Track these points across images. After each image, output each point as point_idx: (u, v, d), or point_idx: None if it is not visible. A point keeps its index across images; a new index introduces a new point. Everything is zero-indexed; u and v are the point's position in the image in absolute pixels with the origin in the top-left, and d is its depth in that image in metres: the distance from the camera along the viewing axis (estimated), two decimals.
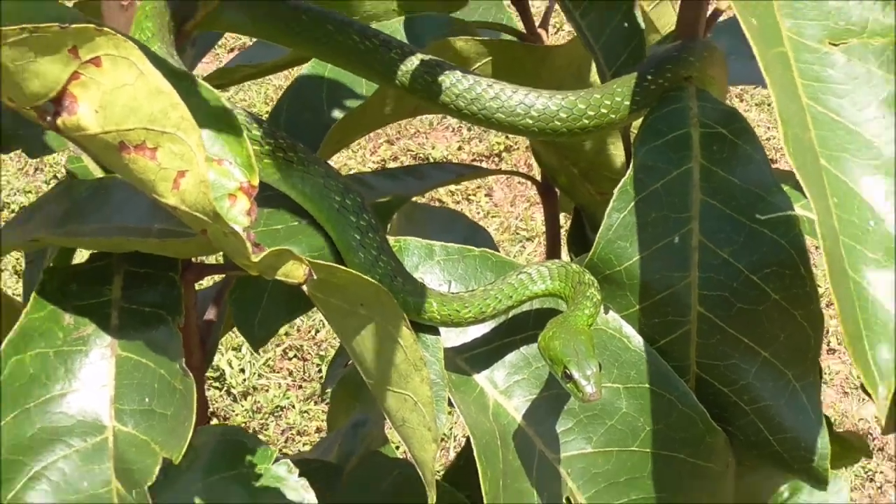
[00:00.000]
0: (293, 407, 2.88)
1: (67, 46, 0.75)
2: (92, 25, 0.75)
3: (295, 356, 2.99)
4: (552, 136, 1.02)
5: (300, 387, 2.93)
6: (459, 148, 3.39)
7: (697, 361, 1.03)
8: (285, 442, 2.80)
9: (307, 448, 2.77)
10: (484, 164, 3.25)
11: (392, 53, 1.00)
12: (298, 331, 3.08)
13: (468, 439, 0.99)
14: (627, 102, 1.02)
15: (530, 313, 1.02)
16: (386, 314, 0.87)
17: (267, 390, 2.91)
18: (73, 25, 0.74)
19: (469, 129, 3.46)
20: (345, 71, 1.12)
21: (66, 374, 0.91)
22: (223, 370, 2.96)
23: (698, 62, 1.06)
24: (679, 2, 1.11)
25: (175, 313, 0.94)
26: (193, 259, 1.02)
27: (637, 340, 1.01)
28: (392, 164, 3.31)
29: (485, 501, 0.95)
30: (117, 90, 0.76)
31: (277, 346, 3.04)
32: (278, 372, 2.96)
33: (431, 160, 3.33)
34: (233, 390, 2.90)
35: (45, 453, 0.89)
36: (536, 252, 3.12)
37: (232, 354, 2.99)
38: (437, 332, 0.98)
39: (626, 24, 1.16)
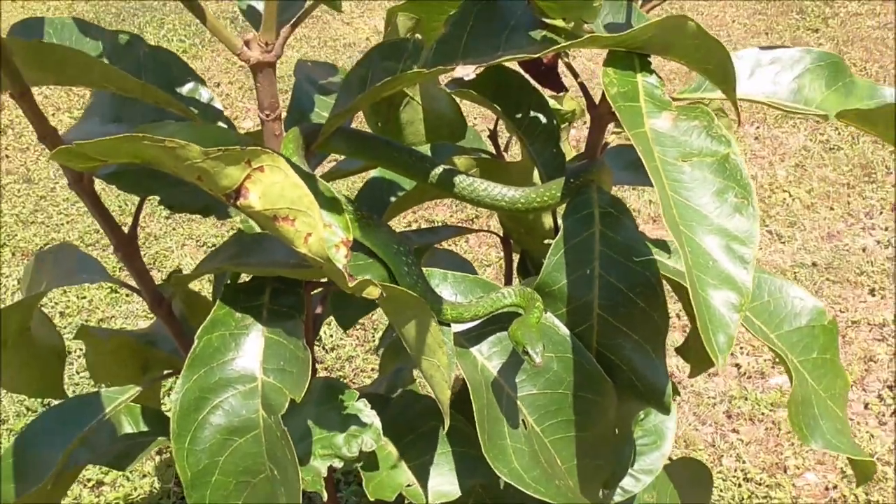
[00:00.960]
0: (359, 356, 2.81)
1: (244, 159, 0.70)
2: (259, 147, 0.70)
3: (361, 328, 2.93)
4: (515, 212, 0.97)
5: (363, 345, 2.86)
6: (451, 216, 3.35)
7: (597, 341, 0.98)
8: (354, 377, 2.73)
9: (368, 381, 2.71)
10: (467, 226, 3.22)
11: (426, 164, 0.96)
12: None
13: (464, 384, 0.95)
14: (559, 194, 0.98)
15: (501, 316, 0.97)
16: (422, 314, 0.82)
17: (344, 347, 2.84)
18: (248, 148, 0.70)
19: (457, 205, 3.41)
20: (397, 175, 1.07)
21: (235, 346, 0.86)
22: (321, 336, 2.89)
23: (598, 171, 1.01)
24: (587, 138, 1.07)
25: (300, 312, 0.88)
26: (311, 279, 0.97)
27: (563, 329, 0.96)
28: (415, 226, 3.27)
29: (476, 420, 0.90)
30: (272, 185, 0.71)
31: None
32: (351, 337, 2.89)
33: (437, 223, 3.29)
34: (326, 346, 2.83)
35: (221, 393, 0.84)
36: (495, 273, 3.08)
37: (325, 328, 2.93)
38: (449, 326, 0.93)
39: (554, 150, 1.11)
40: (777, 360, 2.67)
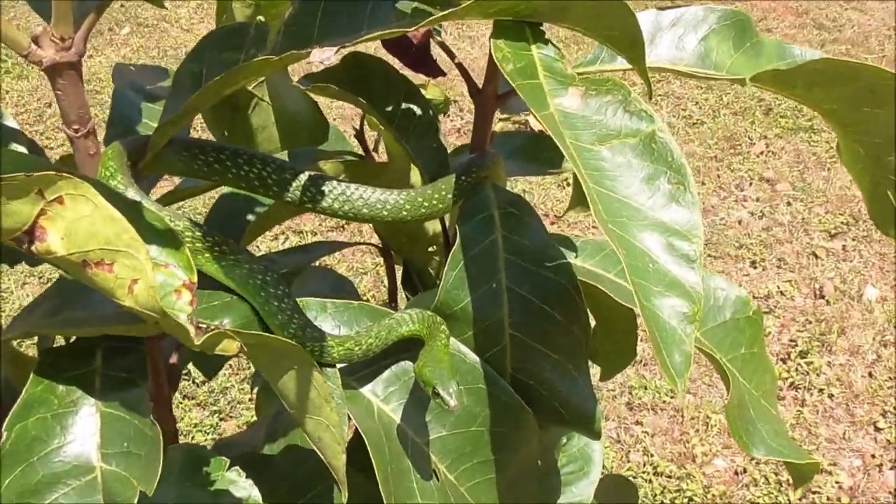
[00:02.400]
0: (234, 386, 2.59)
1: (33, 190, 0.52)
2: (53, 172, 0.52)
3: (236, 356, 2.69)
4: (400, 222, 0.81)
5: (237, 374, 2.64)
6: (320, 224, 3.16)
7: (512, 366, 0.83)
8: (230, 410, 2.51)
9: (248, 413, 2.49)
10: (337, 235, 3.04)
11: (285, 174, 0.78)
12: None
13: (357, 431, 0.78)
14: (450, 196, 0.83)
15: (396, 345, 0.81)
16: (301, 363, 0.65)
17: (217, 378, 2.61)
18: (37, 174, 0.51)
19: None
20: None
21: (62, 430, 0.66)
22: (188, 369, 2.65)
23: (491, 165, 0.87)
24: (472, 129, 0.92)
25: (144, 378, 0.70)
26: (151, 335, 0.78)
27: (472, 356, 0.81)
28: (281, 239, 3.06)
29: (378, 479, 0.74)
30: (78, 220, 0.53)
31: None
32: (224, 366, 2.66)
33: (306, 233, 3.09)
34: (196, 380, 2.59)
35: (48, 493, 0.64)
36: (373, 281, 2.91)
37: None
38: (334, 366, 0.77)
39: (434, 145, 0.96)
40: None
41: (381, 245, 1.28)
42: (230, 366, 2.65)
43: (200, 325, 0.57)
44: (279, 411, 1.26)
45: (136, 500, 0.63)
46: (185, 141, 0.78)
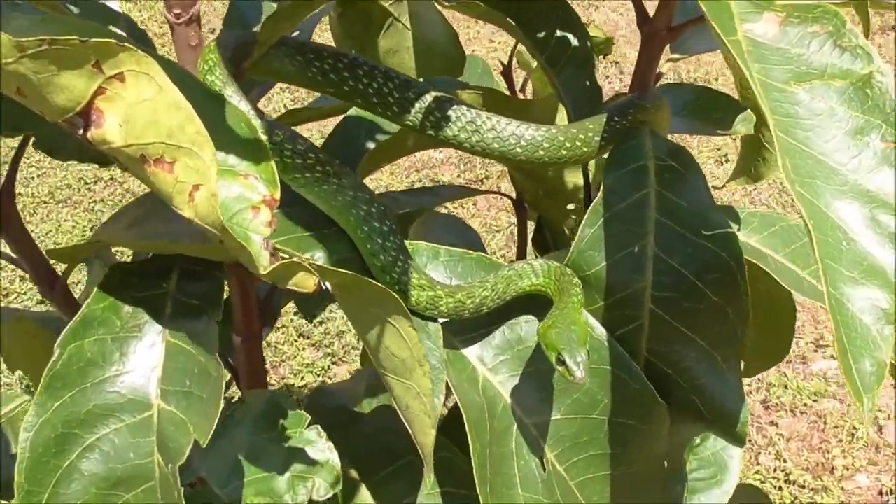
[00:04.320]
0: (351, 330, 2.53)
1: (90, 62, 0.42)
2: (113, 41, 0.42)
3: None
4: (535, 163, 0.69)
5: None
6: (458, 175, 3.06)
7: (647, 348, 0.70)
8: (344, 355, 2.46)
9: (359, 358, 2.43)
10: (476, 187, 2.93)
11: (408, 92, 0.67)
12: None
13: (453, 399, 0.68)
14: (598, 138, 0.70)
15: (512, 305, 0.69)
16: (394, 315, 0.54)
17: (334, 321, 2.56)
18: (94, 40, 0.41)
19: (467, 163, 3.11)
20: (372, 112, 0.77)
21: (121, 357, 0.58)
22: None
23: (652, 109, 0.73)
24: (635, 65, 0.79)
25: (215, 308, 0.61)
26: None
27: (600, 330, 0.68)
28: (417, 186, 2.97)
29: (474, 467, 0.63)
30: (139, 105, 0.43)
31: None
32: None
33: (442, 183, 3.00)
34: (316, 320, 2.54)
35: (98, 427, 0.56)
36: (505, 241, 2.79)
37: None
38: (437, 321, 0.66)
39: (587, 83, 0.83)
40: (821, 341, 2.39)
41: (514, 197, 1.16)
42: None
43: (275, 252, 0.47)
44: None
45: (188, 450, 0.55)
46: (299, 43, 0.68)
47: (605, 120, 0.70)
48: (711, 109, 1.01)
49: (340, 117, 0.98)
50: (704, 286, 0.67)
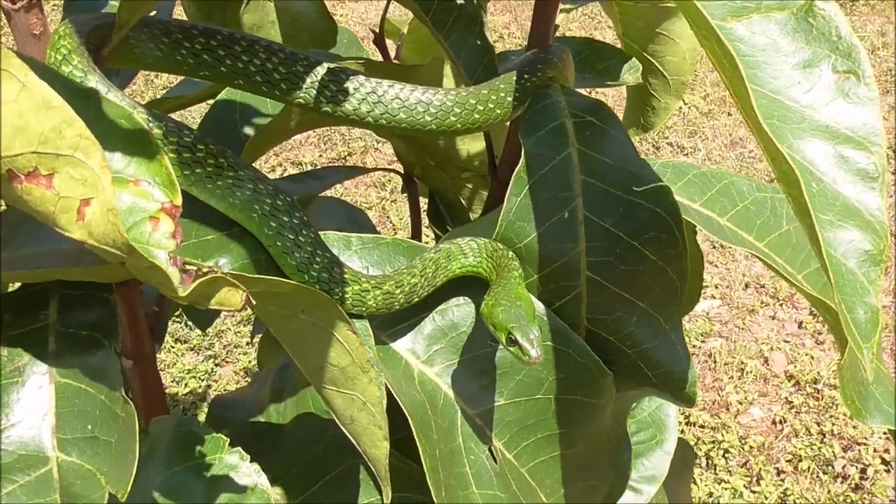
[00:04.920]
0: (231, 329, 2.42)
1: None
2: None
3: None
4: (446, 133, 0.63)
5: (233, 315, 2.46)
6: (320, 155, 2.96)
7: (588, 317, 0.66)
8: (227, 356, 2.35)
9: (245, 359, 2.33)
10: (341, 165, 2.83)
11: (297, 65, 0.60)
12: None
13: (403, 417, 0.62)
14: (510, 98, 0.64)
15: (442, 290, 0.63)
16: (328, 318, 0.47)
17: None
18: None
19: (324, 143, 3.01)
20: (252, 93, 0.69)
21: (3, 408, 0.49)
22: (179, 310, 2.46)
23: (560, 63, 0.69)
24: (532, 18, 0.74)
25: (112, 337, 0.52)
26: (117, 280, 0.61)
27: (538, 305, 0.63)
28: (278, 171, 2.85)
29: (426, 471, 0.57)
30: (6, 108, 0.35)
31: None
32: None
33: (304, 165, 2.89)
34: (188, 322, 2.41)
35: None
36: (378, 219, 2.73)
37: None
38: (364, 318, 0.59)
39: (479, 42, 0.78)
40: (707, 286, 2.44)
41: (402, 172, 1.10)
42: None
43: (188, 266, 0.40)
44: (285, 364, 1.09)
45: (105, 501, 0.47)
46: (163, 23, 0.59)
47: (514, 78, 0.65)
48: (597, 61, 0.98)
49: (209, 103, 0.90)
50: (642, 246, 0.63)
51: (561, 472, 0.68)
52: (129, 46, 0.58)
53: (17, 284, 0.55)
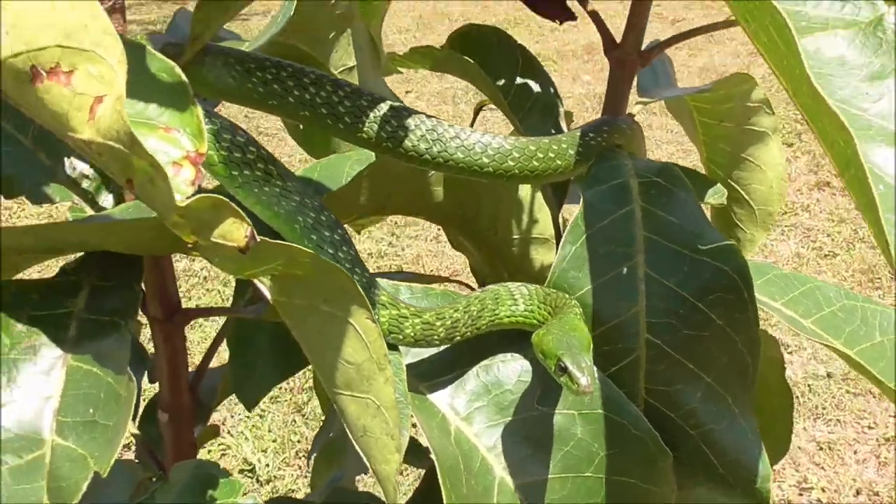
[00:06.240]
0: (300, 489, 2.35)
1: None
2: None
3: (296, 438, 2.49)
4: (504, 177, 0.61)
5: (304, 476, 2.40)
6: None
7: (646, 387, 0.61)
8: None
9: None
10: (376, 263, 2.83)
11: (361, 100, 0.60)
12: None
13: (432, 467, 0.57)
14: (572, 151, 0.63)
15: (486, 341, 0.60)
16: (349, 306, 0.45)
17: (283, 479, 2.38)
18: None
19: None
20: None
21: (8, 384, 0.47)
22: (247, 458, 2.43)
23: (628, 131, 0.67)
24: (606, 90, 0.73)
25: (129, 317, 0.50)
26: (182, 304, 0.60)
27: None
28: None
29: None
30: (28, 8, 0.35)
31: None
32: (287, 458, 2.44)
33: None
34: (260, 477, 2.36)
35: None
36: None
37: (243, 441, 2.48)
38: (397, 350, 0.56)
39: (552, 131, 0.78)
40: None
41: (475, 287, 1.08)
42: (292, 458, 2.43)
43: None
44: (333, 479, 1.04)
45: (84, 488, 0.43)
46: (238, 52, 0.61)
47: (579, 135, 0.63)
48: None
49: None
50: (707, 308, 0.59)
51: None
52: (204, 72, 0.60)
53: (57, 270, 0.54)
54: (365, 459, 0.47)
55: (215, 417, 2.45)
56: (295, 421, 2.49)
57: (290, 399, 2.50)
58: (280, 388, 2.52)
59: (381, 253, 3.23)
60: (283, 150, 3.87)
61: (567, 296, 0.58)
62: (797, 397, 2.67)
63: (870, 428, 2.52)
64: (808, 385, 2.71)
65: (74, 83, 0.35)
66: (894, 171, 0.42)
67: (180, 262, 3.15)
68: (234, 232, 0.37)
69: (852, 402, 2.64)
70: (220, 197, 0.37)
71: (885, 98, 0.45)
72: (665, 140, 3.94)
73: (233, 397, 0.89)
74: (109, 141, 0.35)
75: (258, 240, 0.38)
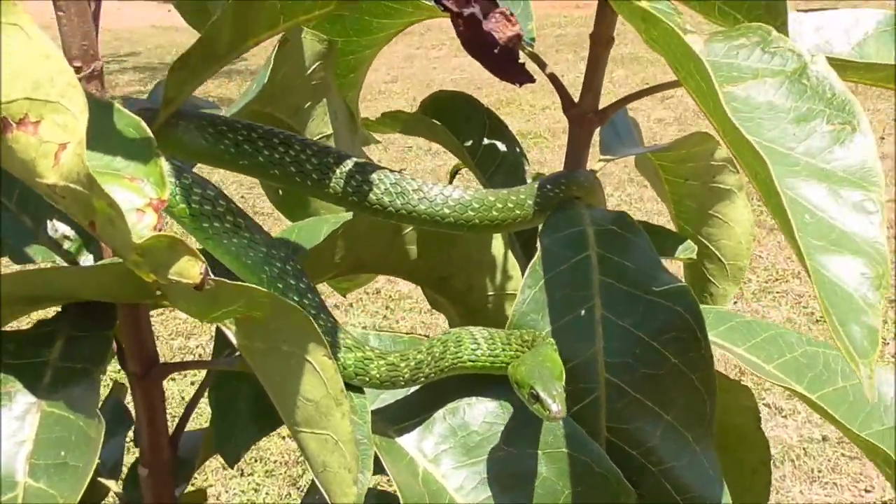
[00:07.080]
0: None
1: None
2: None
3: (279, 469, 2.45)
4: (465, 227, 0.64)
5: None
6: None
7: (607, 426, 0.62)
8: None
9: None
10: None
11: (327, 158, 0.63)
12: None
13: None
14: (531, 202, 0.65)
15: (451, 384, 0.61)
16: (306, 344, 0.46)
17: None
18: None
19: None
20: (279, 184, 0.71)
21: None
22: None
23: (586, 183, 0.70)
24: (567, 151, 0.76)
25: (100, 364, 0.52)
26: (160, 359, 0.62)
27: None
28: None
29: None
30: (8, 57, 0.39)
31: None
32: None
33: None
34: None
35: None
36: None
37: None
38: (362, 392, 0.57)
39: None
40: None
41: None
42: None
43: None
44: None
45: None
46: (210, 116, 0.64)
47: (537, 186, 0.66)
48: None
49: None
50: (662, 347, 0.61)
51: None
52: (179, 134, 0.63)
53: (33, 322, 0.56)
54: (325, 496, 0.49)
55: (210, 493, 2.42)
56: (290, 494, 2.47)
57: (285, 472, 2.47)
58: (275, 462, 2.50)
59: (376, 326, 3.25)
60: (279, 228, 3.91)
61: (536, 331, 0.60)
62: (793, 461, 2.65)
63: (867, 491, 2.50)
64: (804, 448, 2.69)
65: (41, 132, 0.38)
66: (821, 202, 0.44)
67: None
68: (190, 269, 0.40)
69: (848, 465, 2.62)
70: (175, 236, 0.39)
71: (811, 137, 0.47)
72: (647, 197, 3.98)
73: (227, 471, 0.90)
74: (71, 183, 0.37)
75: (213, 278, 0.40)
